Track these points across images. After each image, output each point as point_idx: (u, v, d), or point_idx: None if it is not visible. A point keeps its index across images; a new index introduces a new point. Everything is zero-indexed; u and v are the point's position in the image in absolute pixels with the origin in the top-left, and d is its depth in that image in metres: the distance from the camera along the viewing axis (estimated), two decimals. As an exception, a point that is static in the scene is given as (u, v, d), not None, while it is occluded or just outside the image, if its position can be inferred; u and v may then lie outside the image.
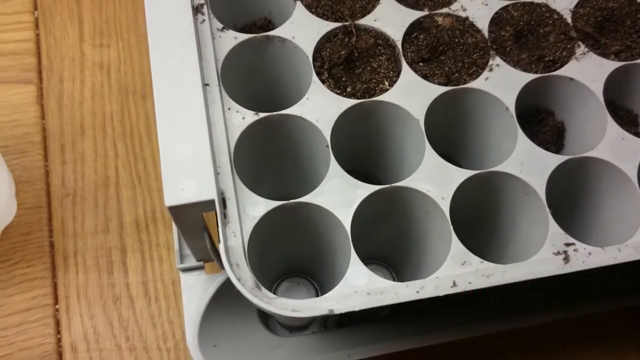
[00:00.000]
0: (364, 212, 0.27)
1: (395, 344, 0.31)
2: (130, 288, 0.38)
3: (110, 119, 0.43)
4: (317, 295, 0.34)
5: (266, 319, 0.33)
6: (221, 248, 0.24)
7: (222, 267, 0.32)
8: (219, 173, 0.26)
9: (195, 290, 0.31)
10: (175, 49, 0.27)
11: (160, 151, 0.25)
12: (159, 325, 0.37)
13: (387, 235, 0.29)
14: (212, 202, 0.25)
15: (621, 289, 0.34)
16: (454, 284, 0.24)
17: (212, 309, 0.31)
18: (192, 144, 0.25)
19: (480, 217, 0.29)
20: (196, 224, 0.26)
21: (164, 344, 0.37)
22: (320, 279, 0.34)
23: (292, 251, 0.30)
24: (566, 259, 0.25)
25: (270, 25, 0.34)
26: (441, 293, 0.24)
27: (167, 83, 0.26)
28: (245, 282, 0.24)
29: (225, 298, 0.32)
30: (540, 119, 0.32)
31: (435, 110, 0.29)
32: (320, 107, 0.28)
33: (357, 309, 0.24)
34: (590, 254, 0.25)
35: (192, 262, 0.32)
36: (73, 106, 0.43)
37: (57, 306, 0.38)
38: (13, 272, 0.38)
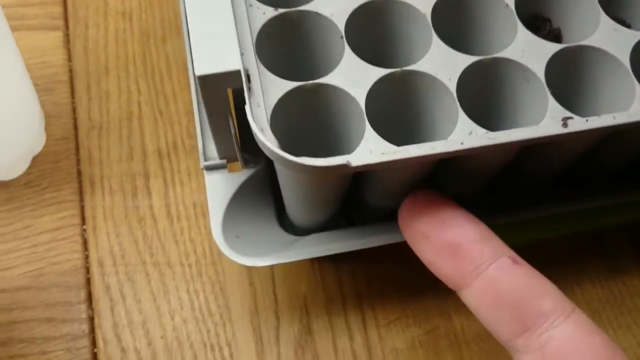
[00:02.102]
0: (377, 94, 0.29)
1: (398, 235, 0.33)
2: (154, 210, 0.40)
3: (133, 60, 0.45)
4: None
5: (283, 221, 0.35)
6: (248, 112, 0.26)
7: (245, 166, 0.34)
8: (243, 54, 0.28)
9: (218, 187, 0.33)
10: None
11: (190, 28, 0.27)
12: (181, 243, 0.39)
13: (398, 119, 0.31)
14: (238, 73, 0.27)
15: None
16: (462, 144, 0.26)
17: (234, 205, 0.33)
18: (218, 24, 0.28)
19: (485, 103, 0.31)
20: (222, 103, 0.28)
21: (186, 260, 0.39)
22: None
23: (309, 134, 0.32)
24: (565, 125, 0.27)
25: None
26: (451, 149, 0.26)
27: (194, -23, 0.29)
28: (271, 143, 0.26)
29: (246, 196, 0.34)
30: (538, 26, 0.34)
31: (441, 9, 0.31)
32: (334, 2, 0.31)
33: (373, 162, 0.26)
34: (587, 120, 0.27)
35: (215, 161, 0.34)
36: (98, 49, 0.46)
37: (84, 226, 0.40)
38: (42, 195, 0.40)
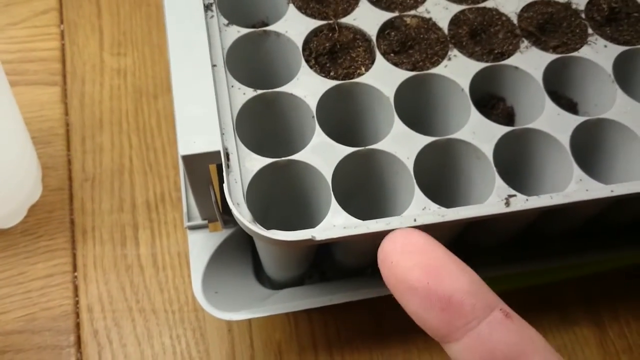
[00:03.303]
0: (343, 170, 0.32)
1: (375, 291, 0.36)
2: (141, 259, 0.43)
3: (126, 116, 0.49)
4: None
5: (260, 275, 0.38)
6: (225, 188, 0.30)
7: (224, 226, 0.37)
8: (223, 133, 0.32)
9: (200, 246, 0.37)
10: (189, 36, 0.33)
11: (176, 111, 0.31)
12: (166, 291, 0.42)
13: (363, 194, 0.35)
14: (218, 153, 0.30)
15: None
16: (415, 220, 0.30)
17: (214, 262, 0.36)
18: (202, 108, 0.31)
19: (439, 178, 0.34)
20: (203, 176, 0.32)
21: (170, 307, 0.42)
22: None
23: (283, 208, 0.36)
24: (507, 204, 0.31)
25: (266, 27, 0.40)
26: (404, 225, 0.29)
27: (182, 61, 0.32)
28: (245, 217, 0.29)
29: (226, 253, 0.37)
30: (493, 104, 0.38)
31: (403, 91, 0.35)
32: (308, 86, 0.34)
33: (335, 236, 0.29)
34: (527, 200, 0.31)
35: (197, 221, 0.37)
36: (93, 105, 0.49)
37: (75, 273, 0.43)
38: (37, 243, 0.44)
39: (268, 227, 0.29)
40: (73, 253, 0.44)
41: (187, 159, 0.30)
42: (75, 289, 0.42)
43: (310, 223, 0.35)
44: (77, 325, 0.41)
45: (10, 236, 0.44)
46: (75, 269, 0.43)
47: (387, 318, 0.42)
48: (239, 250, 0.38)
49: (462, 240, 0.37)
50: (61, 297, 0.42)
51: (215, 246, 0.37)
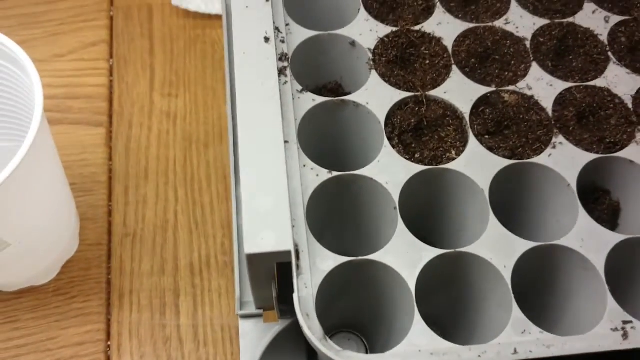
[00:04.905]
0: (428, 275, 0.28)
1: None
2: (181, 330, 0.39)
3: (174, 165, 0.45)
4: (366, 352, 0.35)
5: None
6: (295, 298, 0.25)
7: (281, 317, 0.33)
8: (294, 226, 0.27)
9: (252, 337, 0.32)
10: (261, 106, 0.29)
11: (243, 202, 0.27)
12: (206, 370, 0.38)
13: (446, 299, 0.30)
14: (288, 252, 0.26)
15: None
16: (515, 351, 0.25)
17: (267, 357, 0.32)
18: (272, 197, 0.27)
19: (538, 288, 0.30)
20: (267, 272, 0.28)
21: (209, 389, 0.38)
22: (373, 336, 0.34)
23: (352, 306, 0.31)
24: (625, 336, 0.26)
25: (340, 89, 0.36)
26: (502, 357, 0.25)
27: (252, 137, 0.28)
28: (315, 332, 0.25)
29: (280, 347, 0.33)
30: (597, 197, 0.33)
31: (500, 182, 0.30)
32: (390, 170, 0.30)
33: (422, 368, 0.24)
34: (650, 334, 0.26)
35: (251, 309, 0.33)
36: (139, 150, 0.45)
37: (109, 343, 0.39)
38: (70, 305, 0.40)
39: (332, 322, 0.25)
40: (108, 319, 0.40)
41: (253, 258, 0.26)
42: (108, 360, 0.38)
43: (385, 328, 0.31)
44: (107, 404, 0.37)
45: (42, 294, 0.40)
46: (109, 337, 0.39)
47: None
48: (294, 343, 0.34)
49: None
50: (92, 371, 0.38)
51: (270, 339, 0.33)
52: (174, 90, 0.48)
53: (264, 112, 0.29)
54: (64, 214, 0.38)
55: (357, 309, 0.32)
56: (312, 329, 0.25)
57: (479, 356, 0.25)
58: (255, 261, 0.26)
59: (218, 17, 0.51)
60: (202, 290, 0.41)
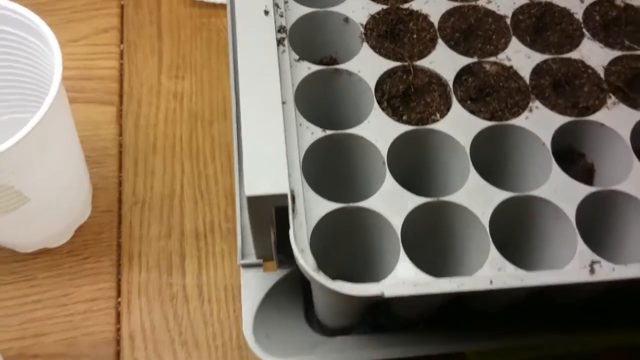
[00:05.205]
0: (413, 221, 0.30)
1: (425, 348, 0.34)
2: (187, 289, 0.42)
3: (180, 141, 0.48)
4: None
5: (310, 319, 0.37)
6: (291, 234, 0.28)
7: (279, 267, 0.35)
8: (290, 175, 0.30)
9: (253, 285, 0.35)
10: (260, 71, 0.32)
11: (244, 151, 0.30)
12: (210, 324, 0.41)
13: (430, 247, 0.33)
14: (284, 196, 0.29)
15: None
16: (491, 282, 0.28)
17: (266, 303, 0.35)
18: (271, 147, 0.30)
19: (515, 235, 0.32)
20: (266, 217, 0.30)
21: (213, 341, 0.40)
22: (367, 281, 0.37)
23: (344, 257, 0.34)
24: (592, 271, 0.29)
25: (335, 63, 0.39)
26: (479, 288, 0.27)
27: (252, 96, 0.31)
28: (309, 264, 0.28)
29: (278, 294, 0.35)
30: (572, 159, 0.35)
31: (480, 141, 0.33)
32: (379, 129, 0.33)
33: (404, 294, 0.27)
34: (613, 269, 0.29)
35: (252, 260, 0.35)
36: (148, 127, 0.48)
37: (119, 299, 0.42)
38: (83, 265, 0.43)
39: (328, 272, 0.28)
40: (118, 278, 0.42)
41: (253, 200, 0.29)
42: (118, 315, 0.41)
43: (374, 272, 0.33)
44: (117, 354, 0.40)
45: (57, 256, 0.43)
46: (119, 294, 0.42)
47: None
48: (291, 292, 0.36)
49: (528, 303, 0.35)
50: (103, 323, 0.40)
51: (269, 287, 0.35)
52: (180, 72, 0.51)
53: (264, 76, 0.32)
54: (79, 177, 0.41)
55: (349, 261, 0.35)
56: (307, 262, 0.28)
57: (458, 287, 0.27)
58: (255, 203, 0.29)
59: (223, 7, 0.55)
60: (206, 253, 0.44)
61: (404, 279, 0.28)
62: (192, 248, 0.44)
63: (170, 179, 0.46)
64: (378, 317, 0.40)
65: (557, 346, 0.40)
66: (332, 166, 0.33)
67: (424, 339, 0.35)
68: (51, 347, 0.40)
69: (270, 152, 0.30)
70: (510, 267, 0.29)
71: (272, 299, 0.35)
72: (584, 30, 0.37)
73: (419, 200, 0.31)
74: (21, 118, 0.43)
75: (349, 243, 0.32)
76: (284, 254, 0.36)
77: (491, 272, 0.29)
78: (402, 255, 0.29)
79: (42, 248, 0.43)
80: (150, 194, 0.46)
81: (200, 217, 0.45)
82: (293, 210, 0.29)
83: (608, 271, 0.29)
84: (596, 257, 0.30)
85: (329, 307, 0.33)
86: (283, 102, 0.32)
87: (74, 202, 0.41)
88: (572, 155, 0.36)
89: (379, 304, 0.35)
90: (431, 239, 0.32)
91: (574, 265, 0.29)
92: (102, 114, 0.49)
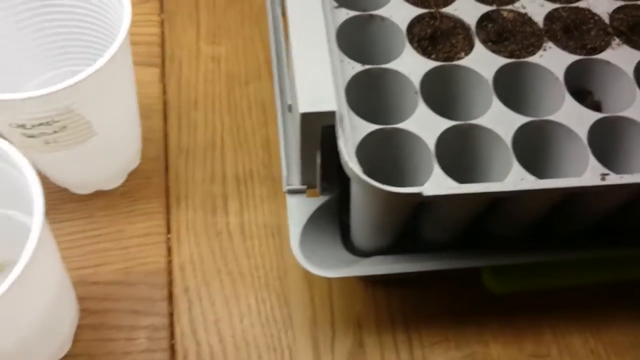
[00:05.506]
0: (443, 141, 0.34)
1: (458, 262, 0.38)
2: (230, 226, 0.46)
3: (219, 98, 0.52)
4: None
5: (346, 242, 0.40)
6: (341, 144, 0.32)
7: (322, 193, 0.39)
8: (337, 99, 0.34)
9: (298, 208, 0.39)
10: (307, 15, 0.36)
11: (296, 77, 0.34)
12: (252, 257, 0.45)
13: (459, 163, 0.37)
14: (333, 113, 0.33)
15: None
16: (515, 186, 0.32)
17: (309, 225, 0.39)
18: (319, 75, 0.34)
19: (533, 158, 0.36)
20: (315, 137, 0.34)
21: (256, 272, 0.44)
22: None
23: (383, 168, 0.38)
24: (603, 179, 0.33)
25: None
26: (507, 189, 0.31)
27: (301, 35, 0.35)
28: (358, 170, 0.32)
29: (319, 219, 0.39)
30: (581, 98, 0.40)
31: (500, 77, 0.37)
32: (411, 64, 0.37)
33: (439, 193, 0.31)
34: (622, 177, 0.33)
35: (297, 186, 0.40)
36: (189, 86, 0.53)
37: (169, 235, 0.46)
38: (135, 205, 0.47)
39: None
40: (167, 217, 0.46)
41: (305, 117, 0.33)
42: (169, 249, 0.45)
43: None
44: (170, 282, 0.44)
45: (112, 197, 0.47)
46: (169, 231, 0.46)
47: (462, 298, 0.44)
48: (331, 217, 0.40)
49: (548, 222, 0.39)
50: (156, 255, 0.44)
51: (312, 210, 0.39)
52: (217, 39, 0.56)
53: (310, 18, 0.36)
54: (136, 123, 0.45)
55: (385, 177, 0.39)
56: (356, 167, 0.32)
57: (487, 187, 0.32)
58: (308, 121, 0.33)
59: (255, -20, 0.59)
60: (246, 196, 0.48)
61: (438, 185, 0.32)
62: (234, 191, 0.48)
63: (211, 131, 0.50)
64: (407, 247, 0.44)
65: (570, 275, 0.44)
66: (370, 98, 0.38)
67: (451, 255, 0.39)
68: (110, 275, 0.43)
69: (319, 79, 0.34)
70: (531, 178, 0.33)
71: (314, 222, 0.39)
72: (591, -15, 0.42)
73: (449, 123, 0.35)
74: (79, 70, 0.47)
75: (388, 162, 0.37)
76: (327, 181, 0.40)
77: (514, 181, 0.33)
78: (436, 168, 0.33)
79: (96, 190, 0.47)
80: (193, 145, 0.50)
81: (240, 164, 0.49)
82: (341, 127, 0.33)
83: (617, 179, 0.33)
84: (606, 170, 0.34)
85: (367, 220, 0.37)
86: (327, 41, 0.36)
87: (130, 146, 0.45)
88: (580, 94, 0.40)
89: (410, 225, 0.39)
90: (459, 159, 0.37)
91: (587, 175, 0.33)
92: (147, 74, 0.53)
